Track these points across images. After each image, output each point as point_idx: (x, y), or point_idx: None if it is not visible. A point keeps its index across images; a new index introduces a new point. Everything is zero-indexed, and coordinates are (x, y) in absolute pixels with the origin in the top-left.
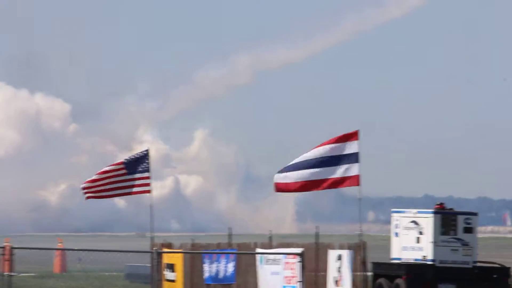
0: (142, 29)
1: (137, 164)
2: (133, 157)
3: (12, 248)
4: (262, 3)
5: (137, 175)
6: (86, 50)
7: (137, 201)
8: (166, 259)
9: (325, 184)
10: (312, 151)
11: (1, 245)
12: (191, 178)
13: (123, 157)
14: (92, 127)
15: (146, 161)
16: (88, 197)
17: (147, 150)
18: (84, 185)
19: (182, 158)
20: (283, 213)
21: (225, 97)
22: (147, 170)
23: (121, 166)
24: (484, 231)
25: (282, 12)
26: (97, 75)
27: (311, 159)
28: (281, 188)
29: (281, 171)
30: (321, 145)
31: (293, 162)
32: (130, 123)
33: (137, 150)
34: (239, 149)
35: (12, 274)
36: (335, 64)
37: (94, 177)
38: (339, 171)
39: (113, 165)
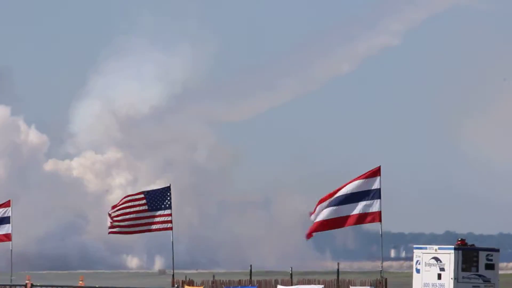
0: None
1: (158, 200)
2: (154, 191)
3: (33, 286)
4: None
5: (159, 212)
6: None
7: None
8: None
9: (348, 221)
10: (341, 189)
11: (23, 283)
12: None
13: None
14: None
15: (168, 198)
16: (110, 232)
17: (169, 186)
18: (109, 219)
19: None
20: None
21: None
22: (169, 207)
23: (143, 201)
24: (505, 268)
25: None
26: None
27: (337, 197)
28: (312, 230)
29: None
30: (345, 184)
31: (322, 203)
32: None
33: None
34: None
35: None
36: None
37: (117, 210)
38: (362, 208)
39: (133, 195)
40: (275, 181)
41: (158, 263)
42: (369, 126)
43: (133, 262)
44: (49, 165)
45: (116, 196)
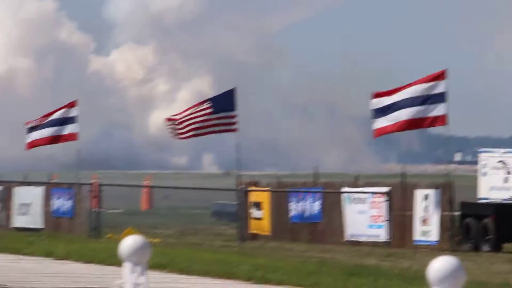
0: None
1: (223, 103)
2: (219, 95)
3: (100, 185)
4: None
5: (223, 114)
6: None
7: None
8: (253, 197)
9: (413, 124)
10: (400, 92)
11: (89, 182)
12: None
13: None
14: None
15: (234, 100)
16: (175, 137)
17: (234, 88)
18: (170, 123)
19: None
20: (368, 153)
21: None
22: (234, 109)
23: (208, 105)
24: None
25: None
26: None
27: (401, 100)
28: (379, 132)
29: (376, 117)
30: (408, 85)
31: (383, 105)
32: None
33: None
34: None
35: (100, 210)
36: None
37: (180, 117)
38: (427, 111)
39: (198, 104)
40: (335, 84)
41: (206, 163)
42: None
43: (180, 161)
44: (92, 65)
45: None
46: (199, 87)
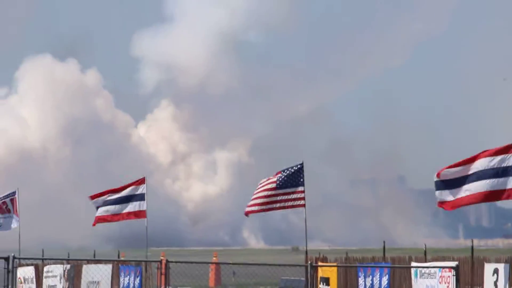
0: None
1: (291, 178)
2: (287, 171)
3: (168, 262)
4: None
5: (291, 189)
6: None
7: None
8: (321, 272)
9: (484, 197)
10: (475, 163)
11: (158, 259)
12: None
13: None
14: None
15: (301, 175)
16: (247, 213)
17: (301, 164)
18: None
19: None
20: (436, 227)
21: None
22: (302, 184)
23: (274, 179)
24: None
25: None
26: None
27: (475, 172)
28: (449, 205)
29: (444, 188)
30: (483, 155)
31: (454, 177)
32: None
33: None
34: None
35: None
36: None
37: (255, 196)
38: (497, 184)
39: (267, 180)
40: (402, 156)
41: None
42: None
43: (219, 236)
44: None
45: None
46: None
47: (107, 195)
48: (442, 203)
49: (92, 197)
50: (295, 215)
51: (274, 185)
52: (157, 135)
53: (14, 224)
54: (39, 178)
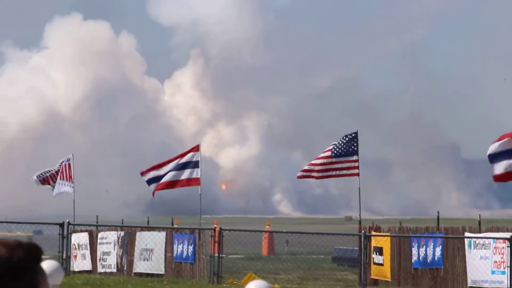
0: None
1: (345, 147)
2: (341, 140)
3: (221, 230)
4: None
5: (345, 158)
6: None
7: (345, 184)
8: (374, 242)
9: None
10: None
11: (211, 227)
12: None
13: None
14: None
15: (355, 144)
16: (299, 177)
17: (356, 132)
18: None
19: None
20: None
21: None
22: (356, 153)
23: (330, 147)
24: None
25: None
26: None
27: None
28: (501, 178)
29: (496, 161)
30: None
31: (503, 149)
32: None
33: None
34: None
35: (221, 256)
36: None
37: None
38: None
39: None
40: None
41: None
42: None
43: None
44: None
45: None
46: None
47: (159, 168)
48: (495, 175)
49: (143, 173)
50: (331, 182)
51: (329, 153)
52: (185, 103)
53: (65, 190)
54: (68, 141)
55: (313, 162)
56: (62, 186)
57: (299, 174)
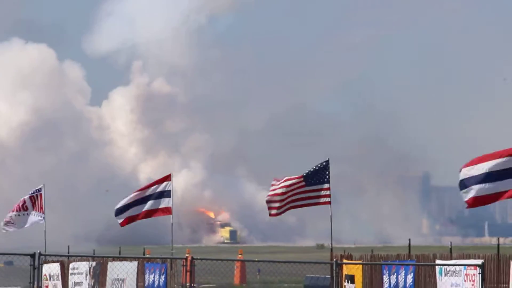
0: None
1: (316, 175)
2: (313, 169)
3: (193, 259)
4: None
5: (317, 187)
6: None
7: (315, 212)
8: (346, 270)
9: (506, 195)
10: (492, 161)
11: (183, 257)
12: None
13: None
14: None
15: (327, 172)
16: (271, 215)
17: (327, 161)
18: (268, 199)
19: None
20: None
21: None
22: (327, 182)
23: (301, 179)
24: None
25: None
26: None
27: (489, 172)
28: (473, 203)
29: (468, 188)
30: (499, 155)
31: (474, 174)
32: None
33: None
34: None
35: (193, 285)
36: None
37: (276, 192)
38: None
39: (293, 178)
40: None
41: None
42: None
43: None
44: None
45: None
46: None
47: (134, 196)
48: (467, 201)
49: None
50: (294, 212)
51: (303, 183)
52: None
53: (33, 221)
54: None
55: (277, 192)
56: (33, 217)
57: (273, 212)
